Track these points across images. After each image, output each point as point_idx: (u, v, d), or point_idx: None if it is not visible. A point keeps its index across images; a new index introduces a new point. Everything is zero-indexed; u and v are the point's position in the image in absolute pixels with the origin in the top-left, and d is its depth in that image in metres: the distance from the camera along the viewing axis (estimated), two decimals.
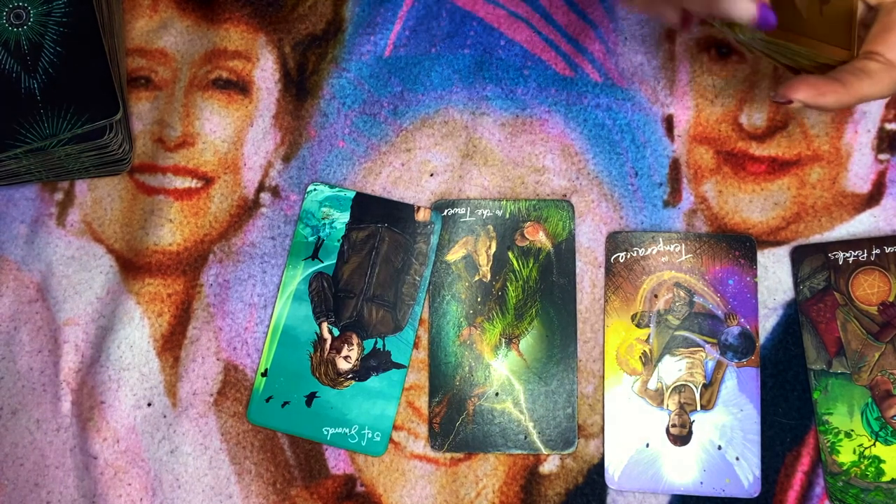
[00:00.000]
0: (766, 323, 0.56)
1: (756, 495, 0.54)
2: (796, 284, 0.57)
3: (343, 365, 0.56)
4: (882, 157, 0.58)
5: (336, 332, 0.56)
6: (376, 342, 0.56)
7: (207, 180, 0.59)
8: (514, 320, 0.56)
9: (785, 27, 0.47)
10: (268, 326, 0.57)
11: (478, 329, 0.57)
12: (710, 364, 0.55)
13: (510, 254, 0.57)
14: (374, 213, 0.58)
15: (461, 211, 0.58)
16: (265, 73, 0.60)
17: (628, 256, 0.57)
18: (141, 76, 0.61)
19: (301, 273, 0.57)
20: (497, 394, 0.56)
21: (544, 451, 0.55)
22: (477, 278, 0.57)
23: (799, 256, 0.57)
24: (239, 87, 0.60)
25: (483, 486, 0.55)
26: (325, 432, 0.55)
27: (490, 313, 0.57)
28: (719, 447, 0.55)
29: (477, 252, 0.57)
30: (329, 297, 0.57)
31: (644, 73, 0.60)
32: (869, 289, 0.56)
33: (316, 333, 0.56)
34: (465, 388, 0.56)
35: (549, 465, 0.55)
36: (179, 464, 0.56)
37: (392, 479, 0.55)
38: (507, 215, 0.58)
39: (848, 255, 0.56)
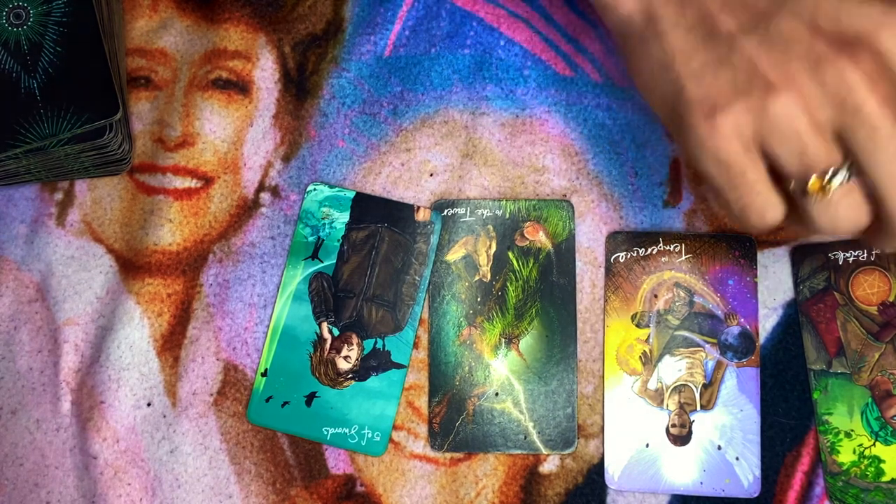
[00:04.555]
0: (766, 323, 0.56)
1: (756, 495, 0.54)
2: (796, 284, 0.57)
3: (343, 365, 0.56)
4: None
5: (336, 332, 0.56)
6: (376, 342, 0.56)
7: (207, 180, 0.59)
8: (514, 320, 0.56)
9: None
10: (268, 326, 0.57)
11: (478, 329, 0.57)
12: (710, 364, 0.55)
13: (510, 254, 0.57)
14: (373, 213, 0.58)
15: (461, 211, 0.58)
16: (265, 73, 0.60)
17: (628, 256, 0.57)
18: (141, 76, 0.61)
19: (301, 273, 0.57)
20: (497, 394, 0.56)
21: (544, 451, 0.55)
22: (477, 278, 0.57)
23: (799, 256, 0.57)
24: (239, 87, 0.60)
25: (483, 486, 0.55)
26: (325, 432, 0.55)
27: (490, 313, 0.57)
28: (719, 447, 0.55)
29: (477, 252, 0.57)
30: (329, 297, 0.57)
31: None
32: (869, 289, 0.56)
33: (316, 333, 0.56)
34: (464, 388, 0.56)
35: (549, 465, 0.55)
36: (179, 464, 0.56)
37: (392, 479, 0.55)
38: (507, 215, 0.58)
39: (848, 255, 0.56)
